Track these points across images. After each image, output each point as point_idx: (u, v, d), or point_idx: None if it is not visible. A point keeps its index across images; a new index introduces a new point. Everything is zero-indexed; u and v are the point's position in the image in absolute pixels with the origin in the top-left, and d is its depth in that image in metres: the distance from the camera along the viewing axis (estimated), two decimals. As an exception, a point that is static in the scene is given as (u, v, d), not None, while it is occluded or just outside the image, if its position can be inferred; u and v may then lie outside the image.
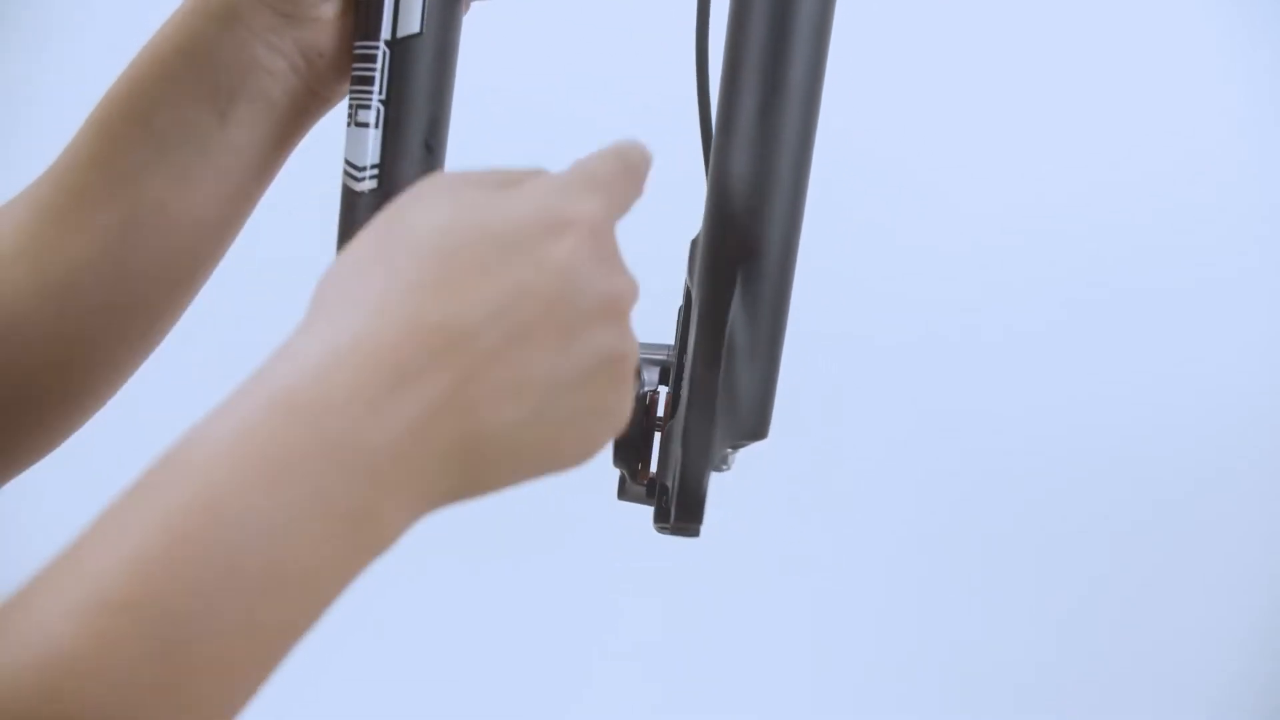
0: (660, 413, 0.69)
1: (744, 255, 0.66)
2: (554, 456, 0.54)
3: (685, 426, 0.67)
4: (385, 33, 0.69)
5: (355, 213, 0.70)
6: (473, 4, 0.72)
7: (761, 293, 0.67)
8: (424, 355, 0.51)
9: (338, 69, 0.71)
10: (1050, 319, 1.83)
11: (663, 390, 0.70)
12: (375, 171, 0.69)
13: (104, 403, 0.73)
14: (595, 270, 0.54)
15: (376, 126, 0.69)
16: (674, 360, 0.69)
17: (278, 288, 1.50)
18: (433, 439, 0.51)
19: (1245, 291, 1.82)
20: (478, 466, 0.52)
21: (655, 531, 0.69)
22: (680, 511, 0.68)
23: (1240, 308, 1.82)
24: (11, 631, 0.45)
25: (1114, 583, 1.84)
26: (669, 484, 0.68)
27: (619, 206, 0.57)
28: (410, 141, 0.70)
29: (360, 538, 0.49)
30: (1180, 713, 1.83)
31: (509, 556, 1.82)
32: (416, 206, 0.54)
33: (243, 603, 0.46)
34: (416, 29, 0.69)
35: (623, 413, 0.56)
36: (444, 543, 1.86)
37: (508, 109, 1.66)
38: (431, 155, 0.70)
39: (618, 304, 0.55)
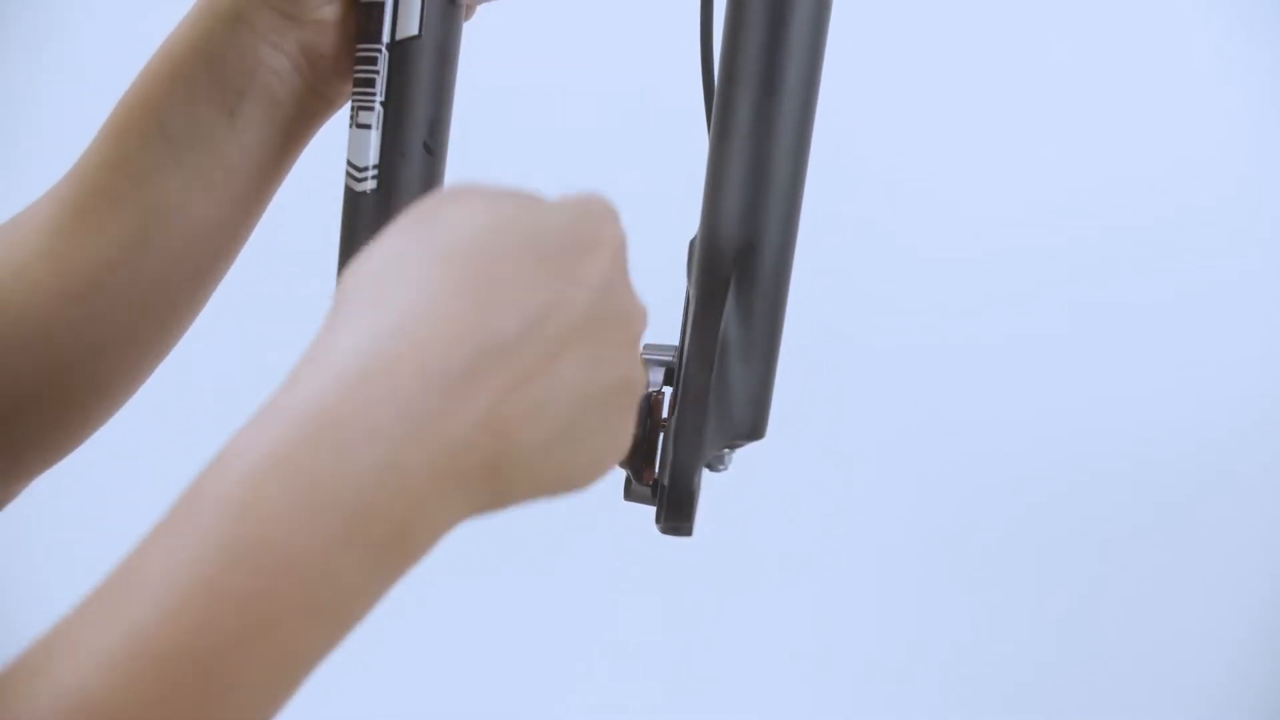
0: (665, 414, 0.69)
1: (738, 255, 0.66)
2: (568, 478, 0.53)
3: (677, 425, 0.67)
4: (385, 35, 0.69)
5: (356, 213, 0.70)
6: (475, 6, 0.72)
7: (757, 293, 0.67)
8: (471, 371, 0.49)
9: (341, 71, 0.71)
10: (1050, 321, 1.83)
11: (667, 391, 0.70)
12: (375, 172, 0.70)
13: (121, 404, 0.73)
14: (621, 292, 0.53)
15: (377, 128, 0.69)
16: (677, 361, 0.69)
17: (284, 287, 1.50)
18: (468, 459, 0.49)
19: (1246, 294, 1.82)
20: (501, 485, 0.51)
21: (657, 531, 0.69)
22: (670, 510, 0.67)
23: (1241, 311, 1.82)
24: (47, 679, 0.44)
25: (1114, 584, 1.84)
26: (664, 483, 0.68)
27: (625, 234, 0.56)
28: (409, 143, 0.70)
29: (393, 560, 0.48)
30: (1180, 713, 1.83)
31: (508, 555, 1.82)
32: (452, 208, 0.52)
33: (280, 639, 0.46)
34: (415, 32, 0.69)
35: (627, 440, 0.55)
36: (443, 542, 1.85)
37: (510, 111, 1.66)
38: (431, 157, 0.70)
39: (636, 328, 0.55)
